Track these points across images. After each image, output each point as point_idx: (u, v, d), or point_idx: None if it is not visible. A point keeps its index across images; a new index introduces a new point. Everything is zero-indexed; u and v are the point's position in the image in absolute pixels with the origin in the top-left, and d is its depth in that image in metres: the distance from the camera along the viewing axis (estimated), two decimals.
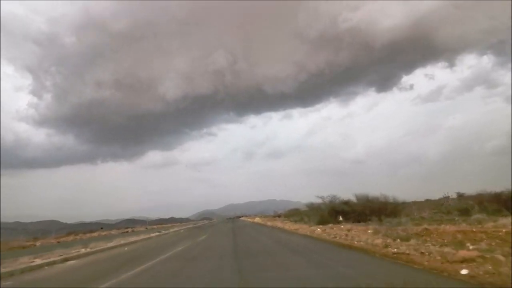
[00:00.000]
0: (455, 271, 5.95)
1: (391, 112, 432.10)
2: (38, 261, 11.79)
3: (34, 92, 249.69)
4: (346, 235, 13.96)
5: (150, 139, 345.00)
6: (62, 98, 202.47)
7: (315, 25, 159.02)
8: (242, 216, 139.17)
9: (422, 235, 11.85)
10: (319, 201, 28.96)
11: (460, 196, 32.67)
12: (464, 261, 6.56)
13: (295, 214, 44.75)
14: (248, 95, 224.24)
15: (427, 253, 7.89)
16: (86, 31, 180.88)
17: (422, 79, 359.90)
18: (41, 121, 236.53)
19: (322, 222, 24.05)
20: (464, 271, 5.82)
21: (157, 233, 27.27)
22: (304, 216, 36.23)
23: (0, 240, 24.38)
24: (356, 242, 11.64)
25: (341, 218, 24.06)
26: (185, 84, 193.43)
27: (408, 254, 8.14)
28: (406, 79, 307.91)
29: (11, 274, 9.67)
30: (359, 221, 23.45)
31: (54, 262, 11.88)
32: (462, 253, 7.04)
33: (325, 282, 6.07)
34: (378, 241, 10.78)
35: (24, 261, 11.69)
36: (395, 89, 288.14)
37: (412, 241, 10.14)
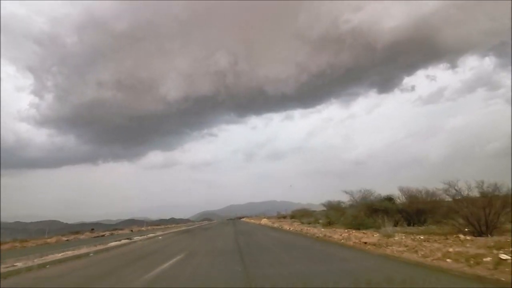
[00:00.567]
0: None
1: (392, 114, 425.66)
2: None
3: (35, 92, 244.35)
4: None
5: (151, 139, 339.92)
6: (63, 98, 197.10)
7: (316, 26, 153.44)
8: (244, 217, 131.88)
9: None
10: (341, 197, 22.53)
11: None
12: None
13: (305, 215, 37.77)
14: (249, 96, 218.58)
15: None
16: (88, 31, 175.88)
17: (424, 80, 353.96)
18: (42, 121, 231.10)
19: (356, 225, 17.12)
20: None
21: (127, 241, 20.14)
22: (322, 217, 30.18)
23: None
24: None
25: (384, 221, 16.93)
26: (186, 85, 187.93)
27: None
28: (407, 80, 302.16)
29: None
30: (409, 224, 16.55)
31: None
32: None
33: None
34: None
35: None
36: (396, 90, 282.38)
37: None
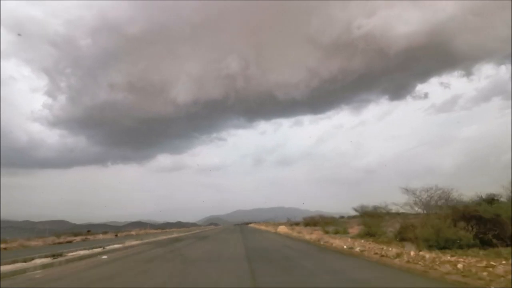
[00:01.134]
0: None
1: (404, 121, 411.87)
2: None
3: (49, 93, 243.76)
4: None
5: (160, 142, 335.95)
6: (76, 100, 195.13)
7: (328, 31, 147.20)
8: (251, 223, 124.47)
9: None
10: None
11: None
12: None
13: (331, 222, 30.84)
14: (259, 100, 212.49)
15: None
16: (102, 34, 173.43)
17: (437, 88, 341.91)
18: (55, 122, 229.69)
19: (437, 242, 10.53)
20: None
21: (99, 250, 14.08)
22: (344, 225, 26.10)
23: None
24: None
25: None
26: (196, 88, 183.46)
27: None
28: (420, 88, 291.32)
29: None
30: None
31: None
32: None
33: None
34: None
35: None
36: (408, 98, 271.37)
37: None
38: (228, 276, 7.40)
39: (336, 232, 24.59)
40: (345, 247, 12.88)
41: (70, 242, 21.49)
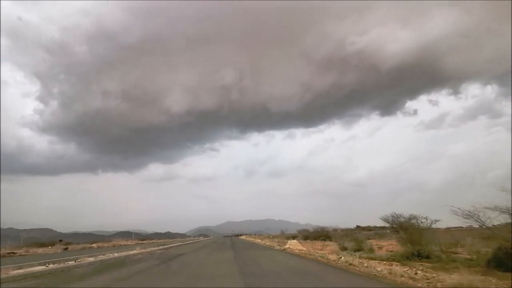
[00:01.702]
0: None
1: (394, 137, 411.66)
2: None
3: (41, 99, 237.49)
4: None
5: (152, 151, 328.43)
6: (68, 106, 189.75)
7: (322, 47, 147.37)
8: (242, 235, 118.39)
9: None
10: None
11: None
12: None
13: (348, 235, 22.37)
14: (252, 112, 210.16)
15: None
16: (98, 42, 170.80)
17: (426, 105, 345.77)
18: (45, 128, 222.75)
19: None
20: None
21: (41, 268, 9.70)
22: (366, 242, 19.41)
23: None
24: None
25: None
26: (190, 99, 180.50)
27: None
28: (410, 104, 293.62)
29: None
30: None
31: None
32: None
33: None
34: None
35: None
36: (399, 114, 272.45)
37: None
38: None
39: (357, 249, 17.94)
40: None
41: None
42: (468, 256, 10.97)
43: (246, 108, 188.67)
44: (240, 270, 10.00)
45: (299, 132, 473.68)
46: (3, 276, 9.46)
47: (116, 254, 18.28)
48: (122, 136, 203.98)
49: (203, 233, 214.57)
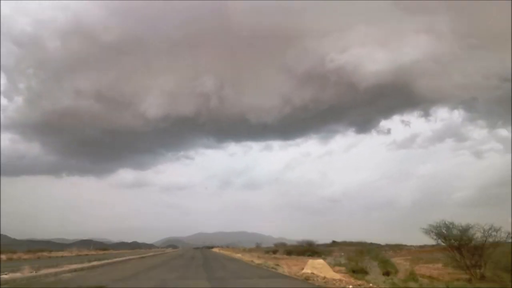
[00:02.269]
0: None
1: (368, 154, 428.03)
2: None
3: (5, 94, 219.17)
4: None
5: (124, 156, 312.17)
6: (34, 103, 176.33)
7: (303, 62, 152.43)
8: (214, 247, 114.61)
9: None
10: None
11: None
12: None
13: (361, 251, 18.75)
14: (230, 122, 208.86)
15: None
16: (73, 38, 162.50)
17: (399, 125, 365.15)
18: (7, 125, 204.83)
19: None
20: None
21: None
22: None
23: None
24: None
25: None
26: (168, 104, 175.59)
27: None
28: (384, 123, 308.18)
29: None
30: None
31: None
32: None
33: None
34: None
35: None
36: (373, 132, 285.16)
37: None
38: None
39: (386, 272, 13.12)
40: None
41: None
42: None
43: (225, 117, 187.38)
44: None
45: (276, 144, 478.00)
46: None
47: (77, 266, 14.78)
48: (92, 138, 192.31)
49: (172, 243, 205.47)
